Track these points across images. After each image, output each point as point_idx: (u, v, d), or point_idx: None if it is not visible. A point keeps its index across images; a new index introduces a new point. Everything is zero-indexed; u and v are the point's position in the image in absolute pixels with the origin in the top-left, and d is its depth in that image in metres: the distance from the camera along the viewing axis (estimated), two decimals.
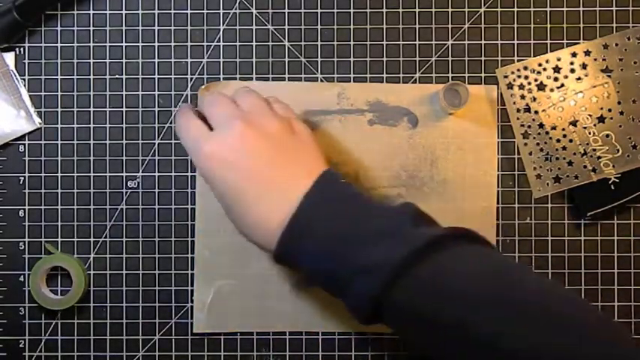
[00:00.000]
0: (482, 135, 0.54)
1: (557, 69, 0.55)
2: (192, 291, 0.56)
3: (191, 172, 0.56)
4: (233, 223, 0.45)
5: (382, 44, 0.56)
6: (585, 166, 0.55)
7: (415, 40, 0.56)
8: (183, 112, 0.47)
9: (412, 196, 0.54)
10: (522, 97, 0.55)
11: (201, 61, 0.56)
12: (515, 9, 0.56)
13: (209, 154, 0.43)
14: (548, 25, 0.56)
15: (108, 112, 0.56)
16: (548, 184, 0.55)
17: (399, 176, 0.54)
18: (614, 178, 0.55)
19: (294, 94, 0.54)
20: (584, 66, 0.55)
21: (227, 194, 0.44)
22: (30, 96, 0.56)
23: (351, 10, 0.56)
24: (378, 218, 0.41)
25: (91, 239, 0.56)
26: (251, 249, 0.49)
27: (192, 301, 0.56)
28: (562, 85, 0.55)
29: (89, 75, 0.56)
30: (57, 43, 0.56)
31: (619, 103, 0.55)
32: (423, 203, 0.51)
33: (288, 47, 0.56)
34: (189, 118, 0.46)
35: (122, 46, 0.56)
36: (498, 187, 0.56)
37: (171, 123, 0.56)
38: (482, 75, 0.56)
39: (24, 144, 0.56)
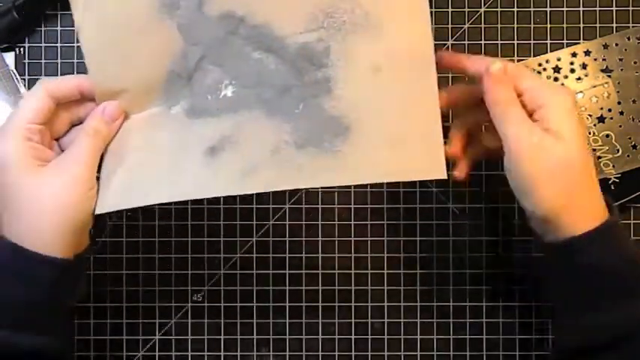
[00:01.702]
0: None
1: (557, 69, 0.55)
2: (191, 291, 0.56)
3: None
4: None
5: None
6: None
7: None
8: None
9: (334, 39, 0.46)
10: None
11: None
12: (515, 9, 0.56)
13: None
14: (548, 25, 0.56)
15: None
16: None
17: (315, 19, 0.46)
18: (614, 178, 0.55)
19: None
20: (584, 66, 0.55)
21: None
22: None
23: None
24: None
25: None
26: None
27: (192, 302, 0.56)
28: (562, 85, 0.55)
29: None
30: (57, 43, 0.56)
31: (619, 103, 0.55)
32: (348, 45, 0.45)
33: None
34: None
35: None
36: (498, 187, 0.56)
37: None
38: None
39: None
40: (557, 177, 0.42)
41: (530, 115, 0.43)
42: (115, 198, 0.45)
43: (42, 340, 0.41)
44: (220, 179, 0.45)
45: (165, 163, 0.45)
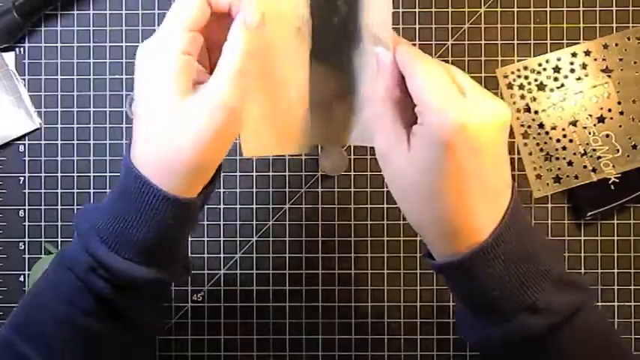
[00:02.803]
0: None
1: (557, 69, 0.55)
2: (191, 291, 0.56)
3: None
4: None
5: None
6: (585, 166, 0.55)
7: (415, 40, 0.56)
8: None
9: None
10: (522, 97, 0.55)
11: None
12: (515, 9, 0.56)
13: None
14: (548, 25, 0.56)
15: (108, 112, 0.56)
16: (548, 184, 0.55)
17: None
18: (614, 178, 0.55)
19: None
20: (584, 66, 0.55)
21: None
22: (30, 96, 0.56)
23: None
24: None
25: None
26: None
27: (192, 302, 0.56)
28: (562, 85, 0.55)
29: (89, 75, 0.56)
30: (57, 43, 0.56)
31: (619, 103, 0.55)
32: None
33: None
34: None
35: (122, 46, 0.56)
36: None
37: None
38: (482, 75, 0.56)
39: (24, 144, 0.56)
40: (407, 196, 0.38)
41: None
42: (251, 142, 0.42)
43: (156, 273, 0.40)
44: (307, 134, 0.44)
45: (280, 113, 0.43)
